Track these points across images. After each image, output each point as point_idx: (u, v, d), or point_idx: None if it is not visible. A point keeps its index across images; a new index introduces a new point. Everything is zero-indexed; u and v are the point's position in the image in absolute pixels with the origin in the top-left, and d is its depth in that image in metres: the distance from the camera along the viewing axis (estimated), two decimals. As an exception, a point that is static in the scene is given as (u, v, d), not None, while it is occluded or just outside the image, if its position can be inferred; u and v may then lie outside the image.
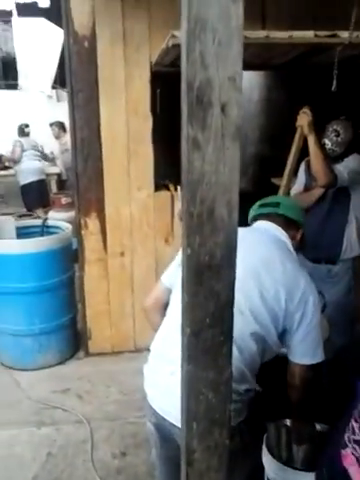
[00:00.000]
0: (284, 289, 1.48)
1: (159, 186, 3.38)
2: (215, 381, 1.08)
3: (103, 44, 3.10)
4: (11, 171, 7.51)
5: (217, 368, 1.07)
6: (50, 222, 3.78)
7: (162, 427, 1.58)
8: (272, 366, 1.67)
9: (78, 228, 3.34)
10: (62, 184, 7.57)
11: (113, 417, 2.88)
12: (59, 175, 7.77)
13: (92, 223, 3.32)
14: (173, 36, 2.39)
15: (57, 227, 3.69)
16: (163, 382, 1.54)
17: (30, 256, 3.20)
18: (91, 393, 3.13)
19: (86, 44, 3.09)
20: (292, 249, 1.67)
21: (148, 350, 3.65)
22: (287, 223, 1.69)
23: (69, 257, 3.48)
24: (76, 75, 3.13)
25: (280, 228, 1.66)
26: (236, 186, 0.97)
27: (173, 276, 1.68)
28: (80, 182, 3.25)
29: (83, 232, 3.32)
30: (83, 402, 3.04)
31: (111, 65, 3.13)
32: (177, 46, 2.47)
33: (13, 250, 3.21)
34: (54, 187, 7.64)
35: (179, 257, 1.73)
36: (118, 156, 3.24)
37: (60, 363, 3.46)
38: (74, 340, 3.61)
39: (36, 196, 6.84)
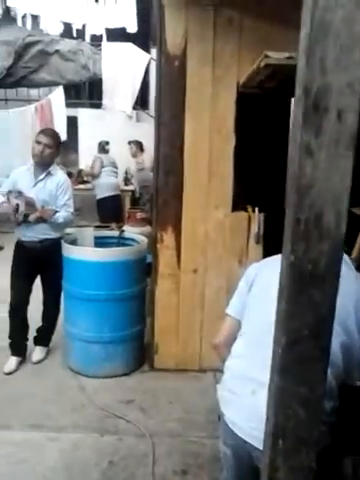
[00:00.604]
0: None
1: (237, 206, 3.37)
2: (307, 397, 1.03)
3: (193, 64, 3.18)
4: (88, 185, 7.82)
5: (310, 383, 1.03)
6: (126, 234, 3.87)
7: (240, 450, 1.53)
8: (347, 398, 1.59)
9: (154, 242, 3.39)
10: (136, 201, 7.76)
11: (175, 434, 2.85)
12: (133, 192, 7.98)
13: (168, 238, 3.35)
14: (266, 56, 2.41)
15: (133, 240, 3.77)
16: (244, 402, 1.50)
17: (105, 264, 3.28)
18: (154, 407, 3.12)
19: (177, 63, 3.18)
20: None
21: (213, 371, 3.60)
22: None
23: (142, 270, 3.53)
24: (165, 93, 3.22)
25: None
26: (346, 196, 0.94)
27: (241, 305, 1.72)
28: (160, 197, 3.32)
29: (158, 246, 3.37)
30: (146, 415, 3.03)
31: (199, 85, 3.20)
32: (269, 66, 2.49)
33: (90, 257, 3.31)
34: (128, 203, 7.86)
35: (251, 276, 1.74)
36: (199, 173, 3.28)
37: (125, 374, 3.49)
38: (140, 353, 3.62)
39: (110, 211, 7.04)
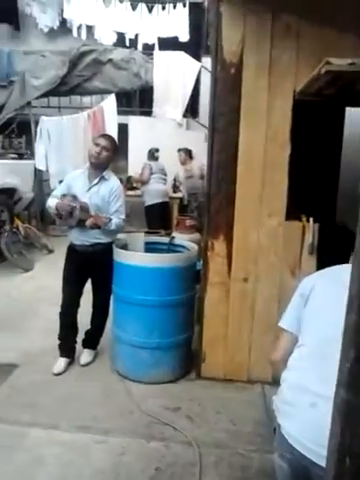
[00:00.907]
0: None
1: (290, 215, 3.31)
2: (376, 413, 0.99)
3: (249, 72, 3.16)
4: (137, 192, 7.91)
5: (382, 400, 0.98)
6: (176, 241, 3.87)
7: (298, 464, 1.47)
8: None
9: (205, 249, 3.37)
10: (184, 208, 7.79)
11: (222, 445, 2.80)
12: (181, 199, 8.02)
13: (219, 245, 3.33)
14: (327, 63, 2.36)
15: (183, 246, 3.77)
16: (303, 415, 1.45)
17: (156, 270, 3.29)
18: (201, 416, 3.09)
19: (233, 71, 3.17)
20: None
21: (261, 383, 3.53)
22: None
23: (192, 277, 3.52)
24: (219, 100, 3.21)
25: None
26: None
27: (296, 319, 1.70)
28: (212, 204, 3.30)
29: (209, 253, 3.34)
30: (193, 424, 3.00)
31: (254, 92, 3.17)
32: (329, 73, 2.44)
33: (141, 262, 3.32)
34: (176, 210, 7.91)
35: (307, 289, 1.70)
36: (252, 181, 3.24)
37: (172, 381, 3.47)
38: (187, 360, 3.60)
39: (158, 217, 7.11)
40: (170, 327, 3.41)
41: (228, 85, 3.19)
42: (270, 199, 3.25)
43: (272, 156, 3.21)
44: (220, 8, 3.14)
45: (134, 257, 3.39)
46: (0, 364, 3.65)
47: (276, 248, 3.29)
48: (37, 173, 7.91)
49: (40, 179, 8.21)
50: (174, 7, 8.95)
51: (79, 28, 9.23)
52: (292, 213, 3.34)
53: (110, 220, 3.39)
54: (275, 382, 3.25)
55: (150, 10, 9.05)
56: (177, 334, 3.44)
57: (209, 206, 3.32)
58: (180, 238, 4.20)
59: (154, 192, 7.27)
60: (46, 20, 9.69)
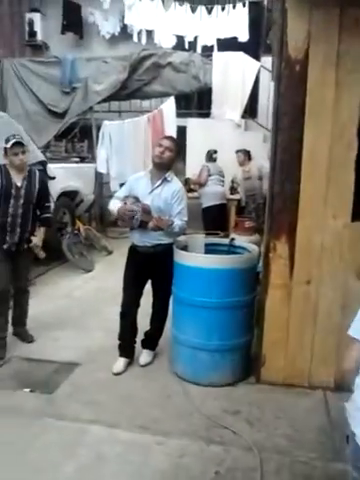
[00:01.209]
0: None
1: (357, 217, 3.17)
2: None
3: (315, 68, 3.06)
4: (195, 194, 7.89)
5: None
6: (236, 243, 3.82)
7: None
8: None
9: (266, 250, 3.30)
10: (241, 210, 7.70)
11: (283, 451, 2.73)
12: (239, 201, 7.92)
13: (281, 247, 3.25)
14: None
15: (243, 248, 3.71)
16: None
17: (216, 272, 3.26)
18: (261, 421, 3.02)
19: (298, 68, 3.08)
20: None
21: (323, 389, 3.42)
22: None
23: (252, 279, 3.46)
24: (283, 98, 3.14)
25: None
26: None
27: None
28: (274, 204, 3.23)
29: (271, 255, 3.27)
30: (252, 428, 2.94)
31: (320, 89, 3.07)
32: None
33: (201, 264, 3.30)
34: (233, 213, 7.82)
35: None
36: (316, 181, 3.14)
37: (231, 384, 3.42)
38: (246, 364, 3.54)
39: (216, 219, 7.05)
40: (230, 329, 3.36)
41: (292, 82, 3.11)
42: (335, 200, 3.14)
43: (338, 155, 3.09)
44: (285, 4, 3.06)
45: (195, 258, 3.37)
46: (62, 362, 3.75)
47: (341, 250, 3.17)
48: (97, 176, 8.08)
49: (100, 182, 8.37)
50: (233, 7, 8.87)
51: (139, 33, 9.37)
52: (358, 214, 3.21)
53: (172, 223, 3.38)
54: (339, 389, 3.14)
55: (209, 11, 9.03)
56: (237, 337, 3.39)
57: (271, 206, 3.24)
58: (239, 240, 4.14)
59: (212, 194, 7.23)
60: (108, 27, 9.92)
